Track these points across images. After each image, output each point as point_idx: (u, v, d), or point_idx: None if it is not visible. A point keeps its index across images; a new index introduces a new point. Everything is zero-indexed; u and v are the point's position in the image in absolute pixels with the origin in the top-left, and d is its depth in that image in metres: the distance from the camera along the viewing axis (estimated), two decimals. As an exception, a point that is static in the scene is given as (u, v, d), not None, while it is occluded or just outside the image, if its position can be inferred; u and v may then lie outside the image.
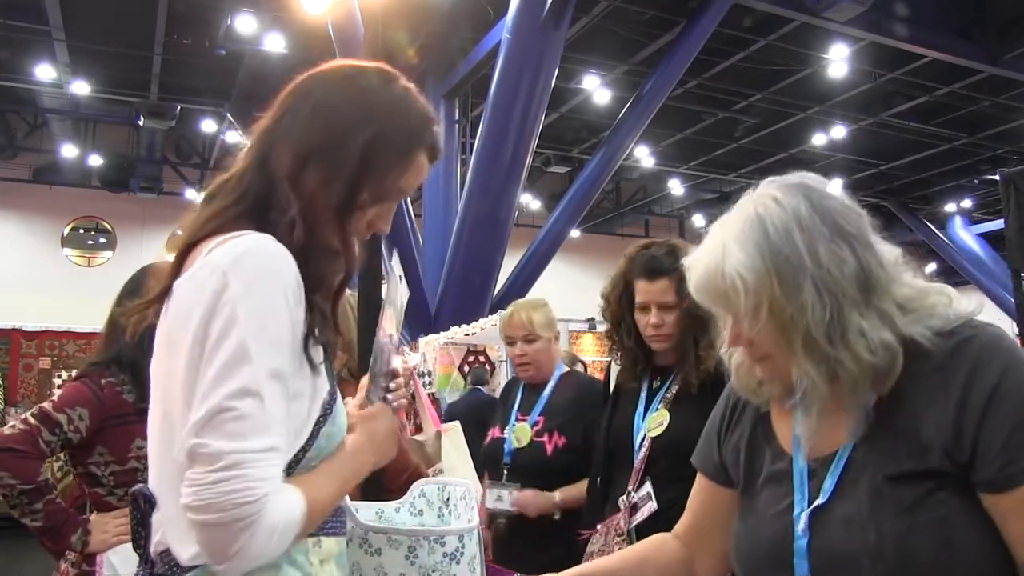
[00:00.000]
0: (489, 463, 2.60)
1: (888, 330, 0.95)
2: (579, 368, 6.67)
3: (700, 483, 1.25)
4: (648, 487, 1.93)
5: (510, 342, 2.64)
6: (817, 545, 0.98)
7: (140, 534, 1.03)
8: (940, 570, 0.90)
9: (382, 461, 1.14)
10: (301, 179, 1.04)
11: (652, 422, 1.97)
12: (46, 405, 1.97)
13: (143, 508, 1.02)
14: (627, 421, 2.05)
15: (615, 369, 2.19)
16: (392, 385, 1.40)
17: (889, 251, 1.02)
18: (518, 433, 2.52)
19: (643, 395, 2.05)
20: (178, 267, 1.02)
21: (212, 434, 0.88)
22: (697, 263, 1.03)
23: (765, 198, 1.01)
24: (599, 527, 2.00)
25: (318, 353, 1.03)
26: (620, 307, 2.06)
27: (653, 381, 2.06)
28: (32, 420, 1.93)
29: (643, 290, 1.98)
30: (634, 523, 1.91)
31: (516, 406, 2.62)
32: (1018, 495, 0.89)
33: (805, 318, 0.94)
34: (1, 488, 1.88)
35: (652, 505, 1.90)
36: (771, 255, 0.96)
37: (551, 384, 2.59)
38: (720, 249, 0.99)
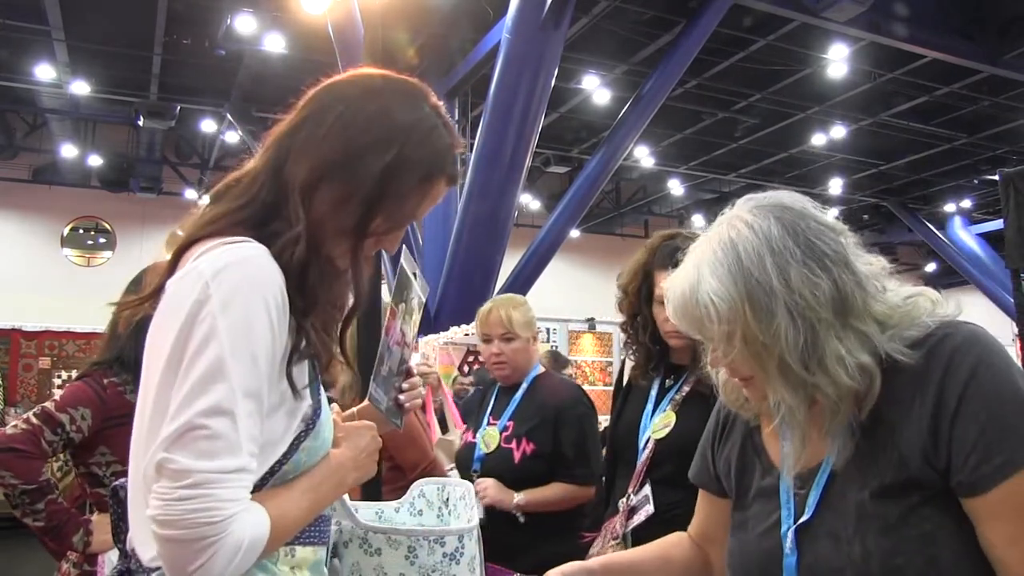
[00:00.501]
0: (460, 468, 2.55)
1: (866, 352, 0.94)
2: (569, 371, 6.65)
3: (702, 494, 1.25)
4: (647, 490, 1.88)
5: (487, 340, 2.53)
6: (806, 562, 0.97)
7: (120, 528, 1.04)
8: None
9: (364, 477, 1.13)
10: (315, 194, 1.02)
11: (658, 424, 1.92)
12: (48, 405, 1.98)
13: (123, 503, 1.02)
14: (634, 421, 2.00)
15: (629, 365, 2.12)
16: (406, 385, 1.40)
17: (869, 264, 1.00)
18: (487, 438, 2.45)
19: (653, 394, 1.99)
20: (173, 265, 1.01)
21: (181, 451, 0.86)
22: (674, 287, 1.02)
23: (738, 221, 1.00)
24: (602, 529, 1.98)
25: (302, 370, 1.01)
26: (638, 299, 1.98)
27: (666, 379, 2.00)
28: (34, 420, 1.93)
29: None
30: (630, 526, 1.88)
31: (489, 409, 2.54)
32: (992, 497, 0.88)
33: (779, 344, 0.93)
34: (3, 488, 1.89)
35: (649, 508, 1.86)
36: (743, 281, 0.95)
37: (523, 387, 2.50)
38: (695, 273, 0.99)
